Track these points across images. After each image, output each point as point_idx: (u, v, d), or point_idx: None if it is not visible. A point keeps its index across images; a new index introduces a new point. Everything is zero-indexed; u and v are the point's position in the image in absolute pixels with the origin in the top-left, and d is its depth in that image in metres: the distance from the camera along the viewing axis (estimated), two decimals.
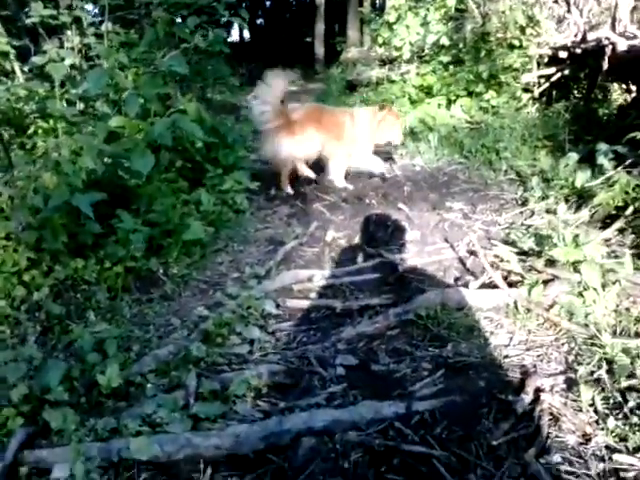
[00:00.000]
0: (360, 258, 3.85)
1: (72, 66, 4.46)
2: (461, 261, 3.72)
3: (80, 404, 2.27)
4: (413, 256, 3.84)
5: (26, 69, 5.06)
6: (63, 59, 4.24)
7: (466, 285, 3.23)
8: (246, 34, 29.19)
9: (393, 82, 9.34)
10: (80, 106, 4.33)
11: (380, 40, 9.56)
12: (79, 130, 3.89)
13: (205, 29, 5.23)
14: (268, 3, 30.18)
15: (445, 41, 8.28)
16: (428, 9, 8.75)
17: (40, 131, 4.20)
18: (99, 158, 3.32)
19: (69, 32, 4.85)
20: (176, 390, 2.40)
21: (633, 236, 3.64)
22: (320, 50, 20.06)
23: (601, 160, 4.38)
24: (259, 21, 29.17)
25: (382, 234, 4.29)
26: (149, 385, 2.43)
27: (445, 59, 8.34)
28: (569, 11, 7.31)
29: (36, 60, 4.20)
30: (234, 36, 27.23)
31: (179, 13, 5.54)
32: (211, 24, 5.37)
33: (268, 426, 2.16)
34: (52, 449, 2.04)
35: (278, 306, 3.20)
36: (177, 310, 3.19)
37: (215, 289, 3.45)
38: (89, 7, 6.03)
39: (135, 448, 1.95)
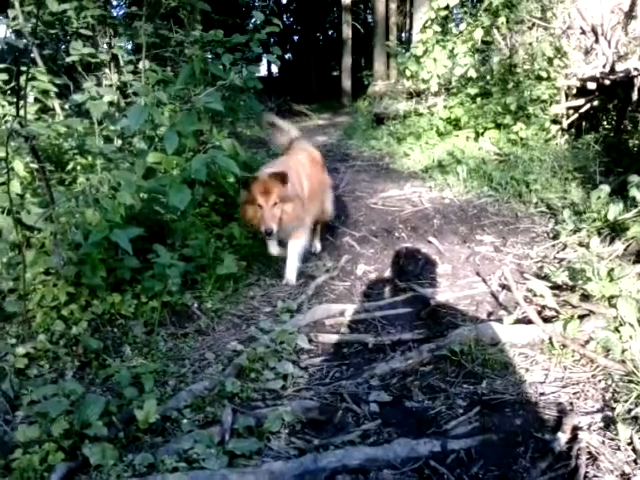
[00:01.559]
0: (391, 292, 3.86)
1: (110, 103, 4.60)
2: (493, 295, 3.71)
3: (118, 439, 2.30)
4: (445, 290, 3.84)
5: (66, 106, 5.23)
6: (102, 97, 4.38)
7: (500, 320, 3.21)
8: (274, 69, 29.77)
9: (420, 115, 9.43)
10: (118, 143, 4.46)
11: (408, 73, 9.65)
12: (117, 166, 4.01)
13: (239, 65, 5.37)
14: (296, 38, 30.79)
15: (472, 73, 8.35)
16: (455, 42, 8.84)
17: (79, 167, 4.34)
18: (137, 194, 3.40)
19: (107, 70, 5.03)
20: (212, 426, 2.41)
21: None
22: (347, 83, 20.34)
23: (633, 192, 4.34)
24: (287, 56, 29.73)
25: (413, 267, 4.30)
26: (185, 420, 2.45)
27: (472, 91, 8.40)
28: (597, 41, 7.33)
29: (76, 98, 4.36)
30: (262, 71, 27.81)
31: (214, 50, 5.68)
32: (242, 60, 5.51)
33: (303, 463, 2.17)
34: None
35: (310, 341, 3.22)
36: (211, 345, 3.23)
37: (248, 323, 3.49)
38: (127, 45, 6.24)
39: None
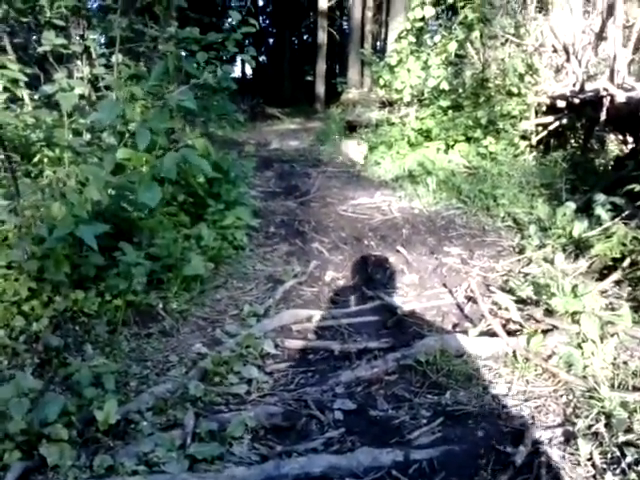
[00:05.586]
0: (359, 300, 3.86)
1: (81, 96, 4.50)
2: (459, 307, 3.74)
3: (77, 439, 2.24)
4: (412, 300, 3.86)
5: (35, 97, 5.11)
6: (73, 89, 4.28)
7: (465, 332, 3.24)
8: (248, 70, 29.63)
9: (393, 124, 9.48)
10: (87, 136, 4.36)
11: (381, 82, 9.71)
12: (85, 161, 3.91)
13: (214, 65, 5.32)
14: (271, 41, 30.72)
15: (445, 86, 8.42)
16: (429, 54, 8.93)
17: (46, 160, 4.23)
18: (105, 189, 3.33)
19: (79, 62, 4.92)
20: (173, 429, 2.38)
21: (630, 288, 3.68)
22: (321, 89, 20.34)
23: (598, 211, 4.44)
24: (261, 58, 29.62)
25: (381, 276, 4.31)
26: (146, 423, 2.40)
27: (445, 103, 8.48)
28: (568, 60, 7.49)
29: (46, 89, 4.24)
30: (236, 72, 27.65)
31: (189, 48, 5.63)
32: (217, 59, 5.46)
33: (265, 470, 2.15)
34: None
35: (277, 346, 3.20)
36: (175, 346, 3.18)
37: (214, 326, 3.45)
38: (100, 38, 6.14)
39: None
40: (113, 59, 4.87)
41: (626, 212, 4.27)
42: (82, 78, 4.73)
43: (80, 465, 2.10)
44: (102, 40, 6.58)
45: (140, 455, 2.17)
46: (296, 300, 3.90)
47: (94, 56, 5.17)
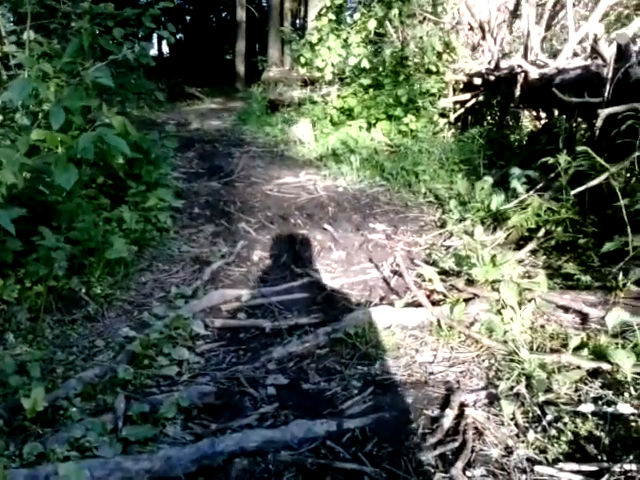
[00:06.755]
0: (288, 277, 3.89)
1: None
2: (385, 281, 3.83)
3: (3, 428, 2.17)
4: (340, 276, 3.92)
5: None
6: None
7: (391, 304, 3.32)
8: (165, 48, 28.76)
9: (315, 103, 9.49)
10: None
11: (302, 60, 9.68)
12: None
13: (131, 42, 5.14)
14: (188, 18, 29.90)
15: (366, 64, 8.50)
16: (349, 32, 8.97)
17: None
18: (20, 172, 3.18)
19: None
20: (104, 413, 2.34)
21: (545, 257, 3.88)
22: (241, 68, 20.05)
23: (514, 184, 4.64)
24: (179, 36, 28.79)
25: (308, 254, 4.34)
26: (75, 409, 2.35)
27: (366, 82, 8.55)
28: (484, 38, 7.71)
29: None
30: (153, 50, 26.76)
31: (104, 24, 5.41)
32: (133, 36, 5.28)
33: (200, 448, 2.15)
34: None
35: (206, 326, 3.18)
36: (101, 331, 3.11)
37: (140, 309, 3.39)
38: (9, 15, 5.80)
39: (64, 473, 1.88)
40: (24, 36, 4.62)
41: (540, 185, 4.48)
42: None
43: (9, 454, 2.05)
44: (11, 17, 6.21)
45: (71, 441, 2.13)
46: (224, 281, 3.88)
47: (3, 33, 4.88)
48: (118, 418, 2.29)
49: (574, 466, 2.01)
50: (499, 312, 3.06)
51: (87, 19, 5.02)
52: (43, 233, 3.22)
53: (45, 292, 3.18)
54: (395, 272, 3.90)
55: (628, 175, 3.94)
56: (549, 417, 2.28)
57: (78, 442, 2.13)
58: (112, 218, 4.15)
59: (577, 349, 2.70)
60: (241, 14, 19.94)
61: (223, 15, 30.03)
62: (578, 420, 2.24)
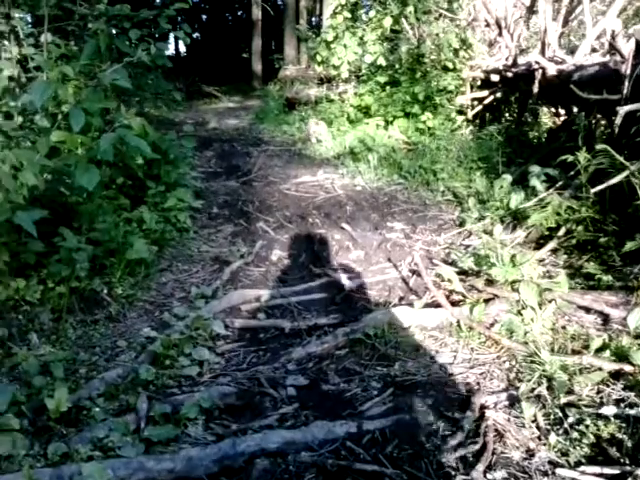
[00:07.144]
0: (306, 277, 3.90)
1: (10, 78, 4.31)
2: (404, 281, 3.83)
3: (28, 429, 2.20)
4: (358, 276, 3.92)
5: None
6: (1, 70, 4.10)
7: (411, 304, 3.31)
8: (182, 48, 28.90)
9: (332, 101, 9.50)
10: (19, 120, 4.18)
11: (318, 58, 9.68)
12: (18, 145, 3.76)
13: (147, 42, 5.17)
14: (204, 17, 30.01)
15: (382, 61, 8.49)
16: (365, 29, 8.96)
17: None
18: (40, 174, 3.22)
19: (6, 42, 4.69)
20: (126, 414, 2.37)
21: (565, 256, 3.85)
22: (258, 66, 20.09)
23: (534, 182, 4.59)
24: (195, 35, 28.91)
25: (327, 253, 4.35)
26: (98, 409, 2.38)
27: (382, 79, 8.53)
28: (500, 34, 7.66)
29: None
30: (170, 50, 26.89)
31: (120, 25, 5.45)
32: (150, 37, 5.32)
33: (221, 449, 2.16)
34: (1, 476, 1.97)
35: (226, 327, 3.20)
36: (123, 332, 3.14)
37: (161, 310, 3.42)
38: (27, 17, 5.87)
39: (87, 473, 1.90)
40: (42, 39, 4.67)
41: (560, 182, 4.44)
42: (10, 59, 4.52)
43: (34, 454, 2.08)
44: (29, 19, 6.29)
45: (95, 441, 2.16)
46: (244, 280, 3.90)
47: (22, 36, 4.95)
48: (140, 418, 2.31)
49: (596, 469, 2.00)
50: (519, 313, 3.05)
51: (104, 21, 5.06)
52: (64, 234, 3.26)
53: (67, 293, 3.22)
54: (414, 272, 3.89)
55: None
56: (571, 419, 2.27)
57: (101, 442, 2.15)
58: (132, 219, 4.20)
59: (599, 350, 2.68)
60: (257, 13, 19.98)
61: (239, 14, 30.09)
62: (600, 422, 2.22)
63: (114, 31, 5.50)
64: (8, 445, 2.04)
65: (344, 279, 3.76)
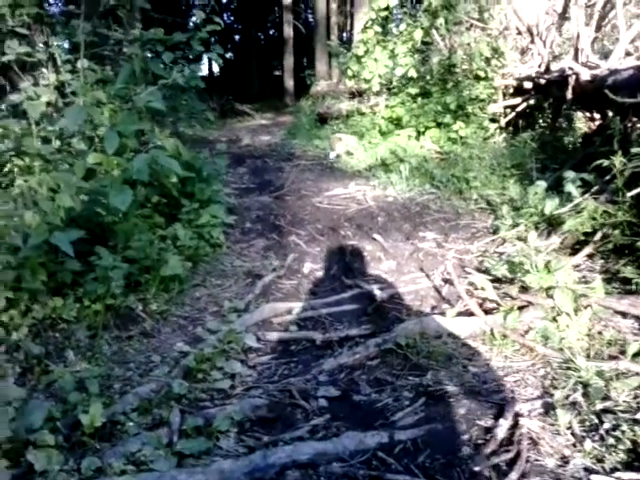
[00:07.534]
0: (338, 289, 3.91)
1: (48, 103, 4.47)
2: (437, 290, 3.80)
3: (63, 444, 2.25)
4: (390, 286, 3.90)
5: (2, 107, 5.05)
6: (39, 97, 4.25)
7: (443, 313, 3.29)
8: (215, 68, 29.47)
9: (363, 114, 9.54)
10: (56, 143, 4.33)
11: (349, 73, 9.76)
12: (55, 168, 3.90)
13: (180, 64, 5.30)
14: (237, 37, 30.59)
15: (413, 73, 8.50)
16: (395, 42, 9.00)
17: (16, 169, 4.19)
18: (77, 195, 3.33)
19: (44, 69, 4.87)
20: (159, 427, 2.39)
21: (602, 261, 3.76)
22: (290, 83, 20.33)
23: (568, 188, 4.50)
24: (228, 55, 29.46)
25: (358, 265, 4.35)
26: (131, 423, 2.42)
27: (413, 91, 8.55)
28: (532, 42, 7.58)
29: (13, 98, 4.21)
30: (203, 70, 27.43)
31: (154, 49, 5.60)
32: (183, 59, 5.44)
33: (253, 461, 2.17)
34: None
35: (258, 339, 3.22)
36: (157, 347, 3.19)
37: (195, 324, 3.46)
38: (65, 44, 6.07)
39: None
40: (79, 64, 4.83)
41: (595, 187, 4.34)
42: (48, 85, 4.69)
43: (68, 469, 2.11)
44: (66, 46, 6.51)
45: (127, 455, 2.19)
46: (276, 294, 3.92)
47: (59, 62, 5.13)
48: (173, 432, 2.34)
49: (633, 475, 1.96)
50: (554, 319, 2.99)
51: (138, 45, 5.21)
52: (100, 253, 3.35)
53: (103, 310, 3.30)
54: (446, 281, 3.86)
55: None
56: (606, 425, 2.22)
57: (134, 456, 2.18)
58: (167, 236, 4.27)
59: (636, 355, 2.62)
60: (288, 31, 20.26)
61: (271, 33, 30.63)
62: (637, 428, 2.17)
63: (148, 55, 5.65)
64: (43, 461, 2.08)
65: (375, 290, 3.75)
